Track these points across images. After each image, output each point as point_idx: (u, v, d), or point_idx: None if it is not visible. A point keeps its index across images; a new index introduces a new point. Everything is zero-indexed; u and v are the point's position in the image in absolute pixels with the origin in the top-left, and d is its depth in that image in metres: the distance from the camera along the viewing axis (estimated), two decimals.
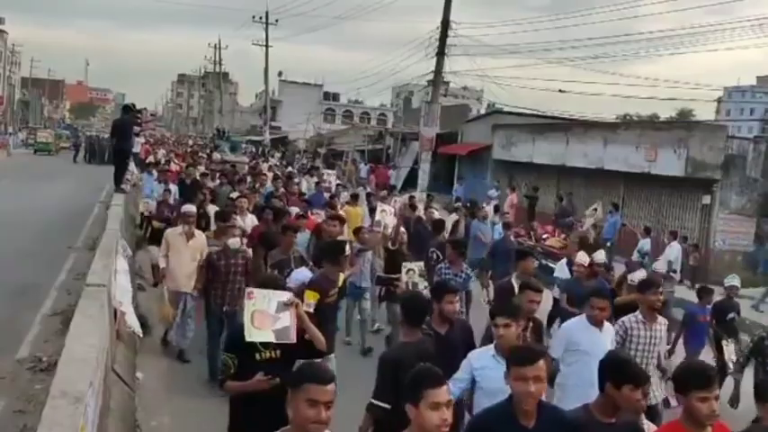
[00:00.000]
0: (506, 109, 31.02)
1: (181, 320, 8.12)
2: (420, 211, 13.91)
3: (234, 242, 7.68)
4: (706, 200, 18.09)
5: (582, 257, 8.59)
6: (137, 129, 17.21)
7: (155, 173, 15.62)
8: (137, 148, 18.87)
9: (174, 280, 8.20)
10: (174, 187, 14.23)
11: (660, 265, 13.54)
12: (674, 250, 14.14)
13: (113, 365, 6.26)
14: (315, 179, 20.33)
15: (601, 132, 22.11)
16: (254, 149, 44.71)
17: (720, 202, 18.07)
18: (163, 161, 22.14)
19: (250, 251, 7.90)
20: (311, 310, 5.36)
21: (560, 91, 33.01)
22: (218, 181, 15.27)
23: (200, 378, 7.44)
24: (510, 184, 24.77)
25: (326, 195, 15.48)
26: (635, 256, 14.24)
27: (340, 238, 9.01)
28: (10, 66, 79.14)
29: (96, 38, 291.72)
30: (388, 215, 10.71)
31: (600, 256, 9.44)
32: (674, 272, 13.40)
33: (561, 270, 10.27)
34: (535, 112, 29.68)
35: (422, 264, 8.75)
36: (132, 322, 7.59)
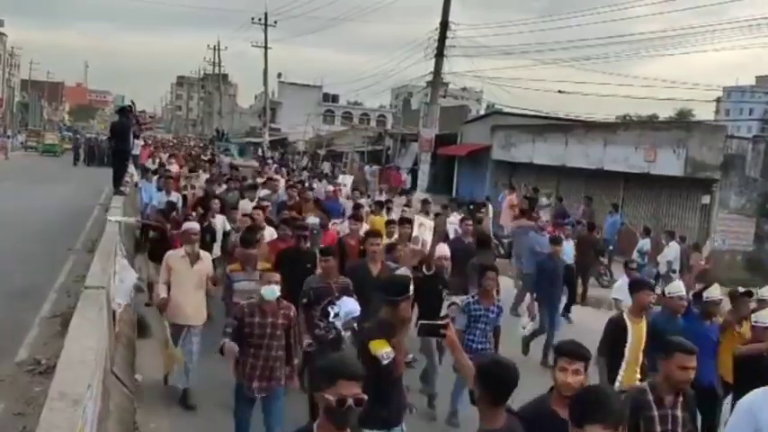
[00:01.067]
0: (506, 110, 31.03)
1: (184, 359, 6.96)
2: (453, 223, 12.28)
3: (270, 291, 5.48)
4: (705, 200, 18.09)
5: (678, 288, 6.63)
6: (136, 130, 16.94)
7: (154, 179, 14.54)
8: (136, 150, 18.76)
9: (178, 312, 6.98)
10: (176, 195, 13.10)
11: (661, 266, 13.56)
12: (672, 250, 14.11)
13: (112, 367, 6.25)
14: (326, 184, 18.88)
15: (600, 133, 22.12)
16: (263, 152, 44.05)
17: (720, 202, 18.07)
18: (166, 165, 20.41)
19: (293, 309, 5.82)
20: (389, 359, 4.35)
21: (560, 92, 33.02)
22: (224, 186, 14.10)
23: (200, 379, 7.42)
24: (509, 184, 24.77)
25: (343, 203, 14.39)
26: (635, 256, 14.22)
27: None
28: (9, 68, 79.20)
29: (95, 40, 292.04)
30: (427, 230, 8.96)
31: (716, 291, 6.91)
32: (674, 272, 13.39)
33: (621, 290, 8.32)
34: (535, 113, 29.68)
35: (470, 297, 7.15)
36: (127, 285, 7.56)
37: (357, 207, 12.29)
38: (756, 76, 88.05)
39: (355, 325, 5.92)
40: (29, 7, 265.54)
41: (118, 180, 13.66)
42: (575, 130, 23.87)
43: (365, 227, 9.57)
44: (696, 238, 17.74)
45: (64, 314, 8.03)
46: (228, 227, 10.20)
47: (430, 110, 28.31)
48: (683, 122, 38.59)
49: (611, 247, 16.87)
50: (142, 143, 24.45)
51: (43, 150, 46.15)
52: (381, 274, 6.99)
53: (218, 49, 68.43)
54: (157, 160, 22.67)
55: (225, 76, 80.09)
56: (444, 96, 35.69)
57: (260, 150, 44.71)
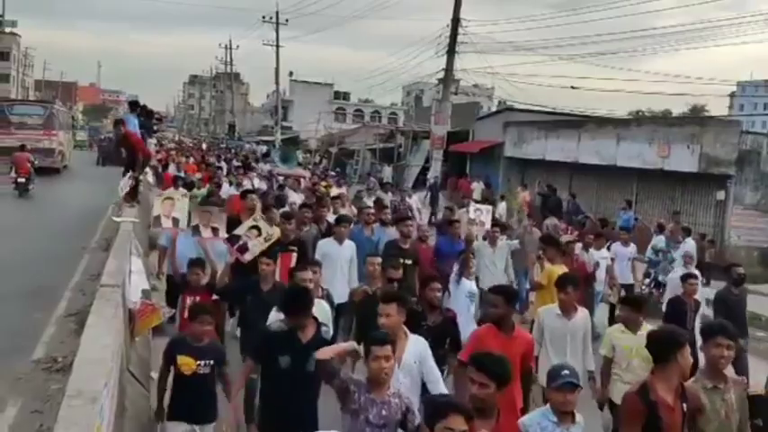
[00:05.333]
0: (518, 106, 30.95)
1: None
2: (605, 257, 10.20)
3: None
4: (720, 196, 17.96)
5: None
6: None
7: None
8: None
9: None
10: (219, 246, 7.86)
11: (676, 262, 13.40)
12: (688, 246, 13.94)
13: (128, 365, 6.29)
14: (392, 196, 15.81)
15: (613, 129, 22.04)
16: (313, 158, 41.24)
17: (735, 198, 17.96)
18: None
19: None
20: None
21: (572, 87, 32.94)
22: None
23: None
24: (522, 181, 24.71)
25: (481, 247, 9.71)
26: (649, 252, 14.11)
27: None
28: (23, 68, 79.86)
29: (108, 40, 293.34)
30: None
31: None
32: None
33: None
34: (547, 109, 29.59)
35: None
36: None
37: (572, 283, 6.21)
38: None
39: None
40: (42, 8, 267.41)
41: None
42: (587, 126, 23.78)
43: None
44: (711, 234, 17.63)
45: (80, 313, 8.07)
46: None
47: (441, 107, 28.26)
48: (696, 118, 38.34)
49: None
50: (155, 142, 24.21)
51: (75, 145, 49.82)
52: None
53: (230, 48, 68.70)
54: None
55: (237, 75, 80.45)
56: (456, 93, 35.60)
57: (308, 155, 42.47)
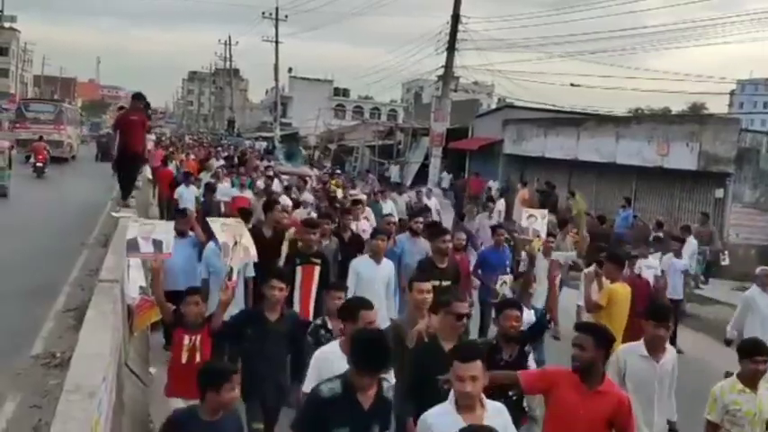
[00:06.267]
0: (517, 103, 30.94)
1: None
2: (652, 266, 9.14)
3: None
4: (719, 194, 17.95)
5: None
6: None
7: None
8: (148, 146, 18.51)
9: None
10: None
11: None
12: (689, 246, 13.86)
13: (126, 360, 6.30)
14: (405, 196, 15.65)
15: (613, 127, 22.02)
16: (316, 153, 40.87)
17: (734, 196, 17.95)
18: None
19: None
20: None
21: (572, 85, 32.96)
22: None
23: None
24: (521, 179, 24.69)
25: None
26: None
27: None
28: (22, 64, 79.69)
29: (108, 36, 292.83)
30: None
31: None
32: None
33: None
34: (546, 107, 29.56)
35: None
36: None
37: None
38: None
39: None
40: (42, 3, 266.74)
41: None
42: (587, 123, 23.76)
43: None
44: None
45: (78, 308, 8.08)
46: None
47: (441, 104, 28.27)
48: (696, 116, 38.33)
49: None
50: (153, 138, 24.06)
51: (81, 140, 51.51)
52: None
53: (230, 45, 68.63)
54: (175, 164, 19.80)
55: (236, 71, 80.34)
56: (455, 90, 35.62)
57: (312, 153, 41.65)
